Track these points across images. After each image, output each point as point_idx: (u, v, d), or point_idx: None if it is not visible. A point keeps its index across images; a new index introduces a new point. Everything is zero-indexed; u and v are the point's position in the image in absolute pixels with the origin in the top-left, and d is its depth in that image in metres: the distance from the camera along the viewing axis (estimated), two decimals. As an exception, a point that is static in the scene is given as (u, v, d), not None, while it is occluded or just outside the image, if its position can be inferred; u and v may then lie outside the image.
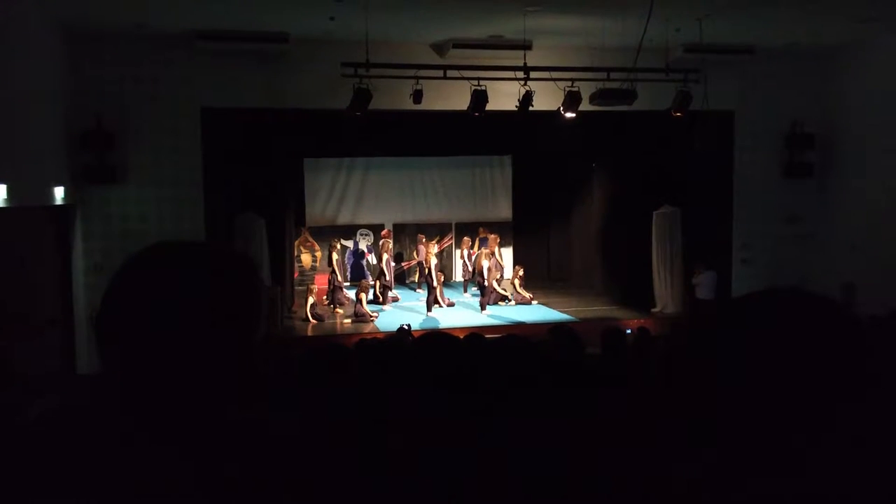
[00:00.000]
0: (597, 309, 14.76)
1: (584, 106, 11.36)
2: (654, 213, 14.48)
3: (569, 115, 11.40)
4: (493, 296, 14.81)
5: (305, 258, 17.19)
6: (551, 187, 18.15)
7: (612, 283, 15.70)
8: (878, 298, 10.70)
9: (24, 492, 1.20)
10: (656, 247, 14.52)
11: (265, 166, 13.25)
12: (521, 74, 10.96)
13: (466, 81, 10.99)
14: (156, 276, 1.27)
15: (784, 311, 0.93)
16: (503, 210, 18.59)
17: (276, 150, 13.28)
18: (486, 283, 14.41)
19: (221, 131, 11.85)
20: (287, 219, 14.84)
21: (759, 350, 0.89)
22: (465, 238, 16.56)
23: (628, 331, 9.53)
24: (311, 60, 11.45)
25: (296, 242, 16.39)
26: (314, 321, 13.55)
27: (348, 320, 13.73)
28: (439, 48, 12.04)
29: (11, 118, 8.55)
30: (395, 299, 15.24)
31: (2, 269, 8.25)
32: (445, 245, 17.98)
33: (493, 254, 15.20)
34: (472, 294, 15.74)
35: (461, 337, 2.97)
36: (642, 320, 13.04)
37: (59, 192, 10.11)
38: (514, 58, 11.12)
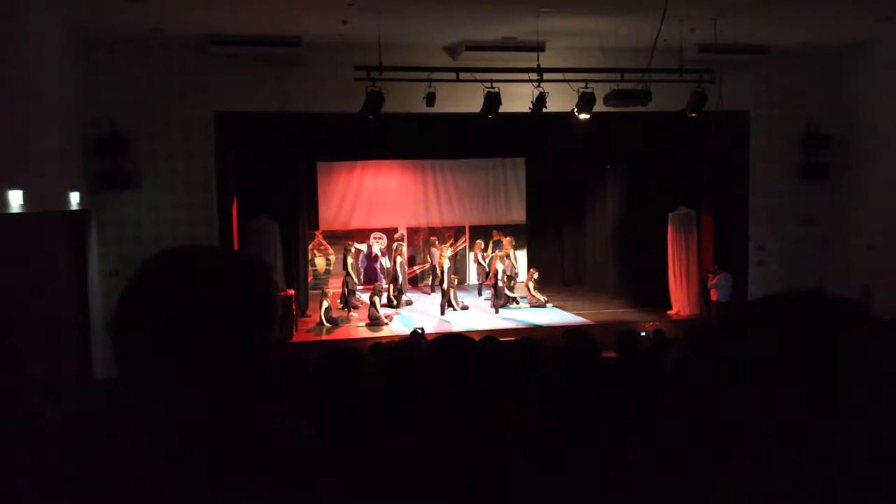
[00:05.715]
0: (612, 311, 14.72)
1: (599, 107, 11.33)
2: (670, 214, 14.43)
3: (583, 116, 11.36)
4: (505, 297, 14.81)
5: (319, 262, 17.25)
6: (565, 189, 18.11)
7: (627, 285, 15.64)
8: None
9: (38, 497, 1.19)
10: (672, 249, 14.45)
11: (278, 170, 13.32)
12: (534, 76, 10.94)
13: (479, 84, 10.97)
14: (171, 281, 1.27)
15: (808, 313, 0.91)
16: (517, 212, 18.57)
17: (289, 154, 13.34)
18: (500, 285, 14.39)
19: (235, 135, 11.91)
20: (300, 223, 14.89)
21: (784, 352, 0.88)
22: (478, 241, 16.56)
23: (643, 333, 9.52)
24: (324, 64, 11.49)
25: (309, 246, 16.44)
26: (328, 325, 13.57)
27: (362, 324, 13.75)
28: (452, 51, 12.04)
29: (27, 124, 8.61)
30: (409, 303, 15.24)
31: (18, 274, 8.30)
32: (459, 248, 17.98)
33: (507, 256, 15.20)
34: (486, 298, 15.72)
35: (476, 339, 2.96)
36: (658, 322, 12.97)
37: (74, 198, 10.17)
38: (528, 59, 11.10)
